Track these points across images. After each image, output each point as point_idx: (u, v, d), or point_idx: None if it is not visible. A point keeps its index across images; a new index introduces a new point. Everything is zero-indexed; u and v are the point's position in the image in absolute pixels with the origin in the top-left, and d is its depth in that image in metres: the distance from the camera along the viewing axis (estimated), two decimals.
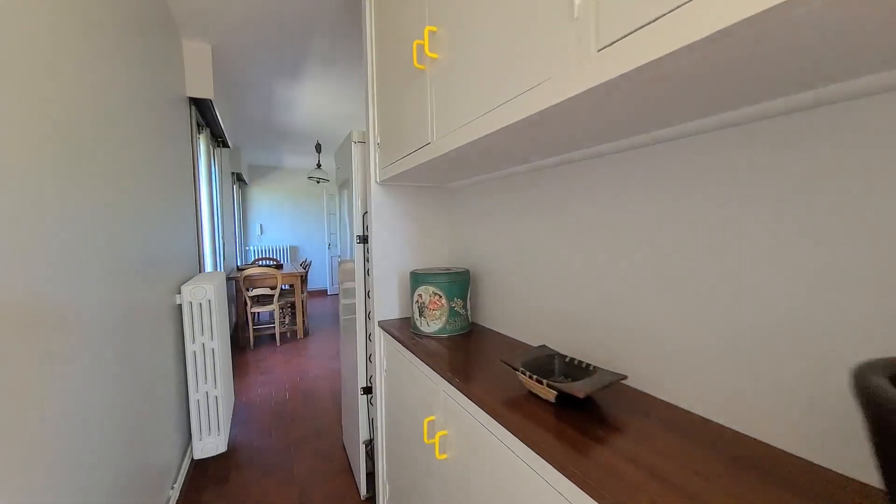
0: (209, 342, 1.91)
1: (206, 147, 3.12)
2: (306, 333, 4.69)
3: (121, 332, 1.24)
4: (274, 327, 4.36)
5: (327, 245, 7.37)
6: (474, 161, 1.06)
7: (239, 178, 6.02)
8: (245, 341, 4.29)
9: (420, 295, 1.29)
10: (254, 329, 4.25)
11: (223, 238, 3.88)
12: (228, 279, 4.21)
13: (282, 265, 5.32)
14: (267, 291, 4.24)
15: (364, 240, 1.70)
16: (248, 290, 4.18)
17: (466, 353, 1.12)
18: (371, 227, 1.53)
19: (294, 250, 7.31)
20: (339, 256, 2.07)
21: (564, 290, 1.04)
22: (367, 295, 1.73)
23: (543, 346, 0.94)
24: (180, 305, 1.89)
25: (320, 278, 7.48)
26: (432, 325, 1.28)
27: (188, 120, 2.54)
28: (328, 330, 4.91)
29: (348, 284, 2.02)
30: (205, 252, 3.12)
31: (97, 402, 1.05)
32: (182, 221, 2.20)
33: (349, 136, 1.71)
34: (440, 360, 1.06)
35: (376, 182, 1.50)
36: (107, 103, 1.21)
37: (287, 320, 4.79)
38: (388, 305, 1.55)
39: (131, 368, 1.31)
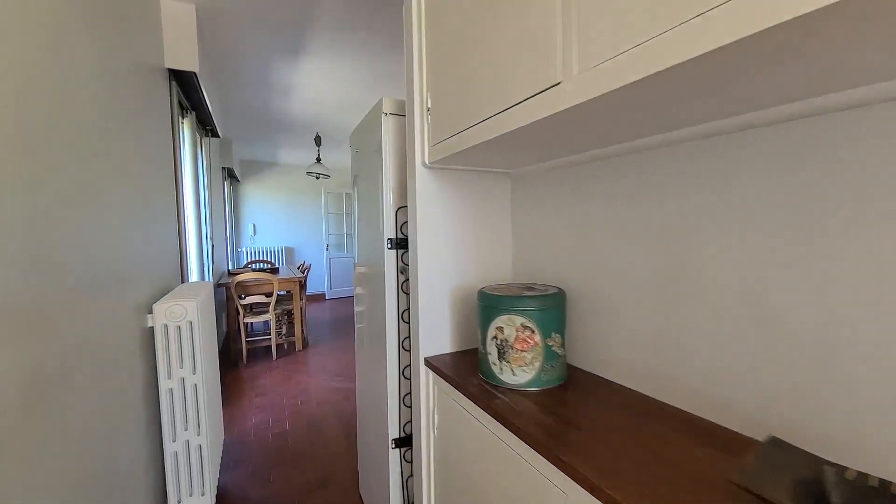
0: (190, 376, 1.47)
1: (191, 134, 2.67)
2: (305, 345, 4.25)
3: (62, 370, 0.81)
4: (269, 339, 3.91)
5: (325, 246, 6.92)
6: (627, 117, 0.64)
7: (230, 175, 5.55)
8: (237, 354, 3.83)
9: (500, 329, 0.87)
10: (247, 341, 3.80)
11: (212, 240, 3.42)
12: (218, 286, 3.76)
13: (277, 269, 4.86)
14: (262, 299, 3.79)
15: (399, 244, 1.28)
16: (240, 297, 3.72)
17: (589, 424, 0.70)
18: (415, 228, 1.11)
19: (290, 252, 6.85)
20: (356, 260, 1.62)
21: (772, 330, 0.63)
22: (402, 317, 1.31)
23: (777, 442, 0.53)
24: (152, 329, 1.45)
25: (318, 281, 7.02)
26: (520, 373, 0.86)
27: (168, 98, 2.09)
28: (329, 340, 4.46)
29: (361, 290, 1.61)
30: (189, 257, 2.67)
31: (30, 470, 0.62)
32: (159, 221, 1.75)
33: (377, 107, 1.29)
34: (557, 442, 0.65)
35: (423, 165, 1.07)
36: (53, 65, 0.78)
37: (284, 330, 4.34)
38: (438, 336, 1.13)
39: (79, 419, 0.88)
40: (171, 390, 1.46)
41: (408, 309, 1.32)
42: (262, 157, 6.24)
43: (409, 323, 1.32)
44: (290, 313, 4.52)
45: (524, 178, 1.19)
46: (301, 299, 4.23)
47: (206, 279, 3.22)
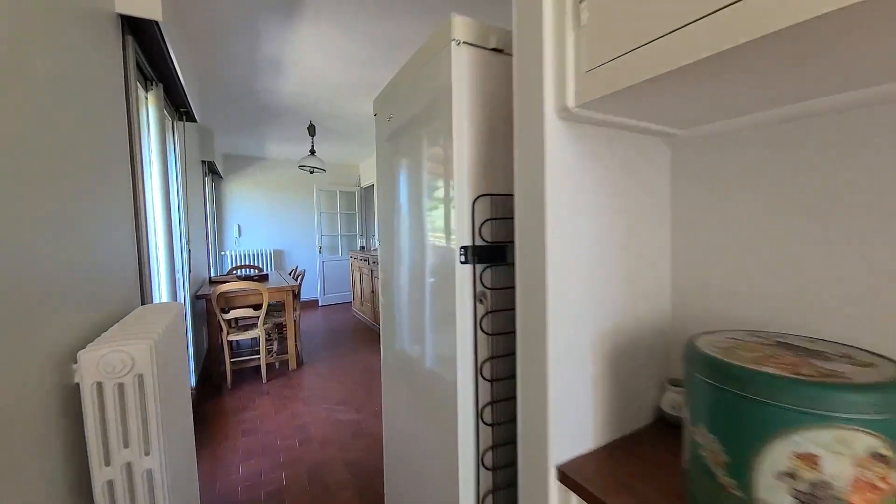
0: (141, 460, 0.96)
1: (158, 113, 2.13)
2: (300, 363, 3.71)
3: None
4: (258, 357, 3.36)
5: (318, 249, 6.36)
6: None
7: (212, 170, 4.97)
8: (220, 378, 3.28)
9: (809, 461, 0.39)
10: (231, 362, 3.24)
11: (188, 244, 2.87)
12: (198, 297, 3.20)
13: (266, 275, 4.30)
14: (249, 313, 3.24)
15: (480, 256, 0.79)
16: (223, 311, 3.17)
17: None
18: (539, 227, 0.61)
19: (279, 255, 6.27)
20: (380, 267, 1.07)
21: None
22: (481, 372, 0.82)
23: None
24: (80, 388, 0.93)
25: (310, 287, 6.45)
26: None
27: (120, 56, 1.55)
28: (326, 355, 3.93)
29: (387, 300, 1.14)
30: (155, 268, 2.13)
31: None
32: (104, 222, 1.23)
33: (441, 34, 0.80)
34: None
35: (559, 113, 0.58)
36: None
37: (275, 347, 3.80)
38: (577, 421, 0.64)
39: None
40: (110, 483, 0.94)
41: (491, 359, 0.83)
42: (247, 151, 5.65)
43: (493, 381, 0.83)
44: (281, 326, 3.98)
45: (703, 143, 0.71)
46: (294, 310, 3.69)
47: (180, 292, 2.68)
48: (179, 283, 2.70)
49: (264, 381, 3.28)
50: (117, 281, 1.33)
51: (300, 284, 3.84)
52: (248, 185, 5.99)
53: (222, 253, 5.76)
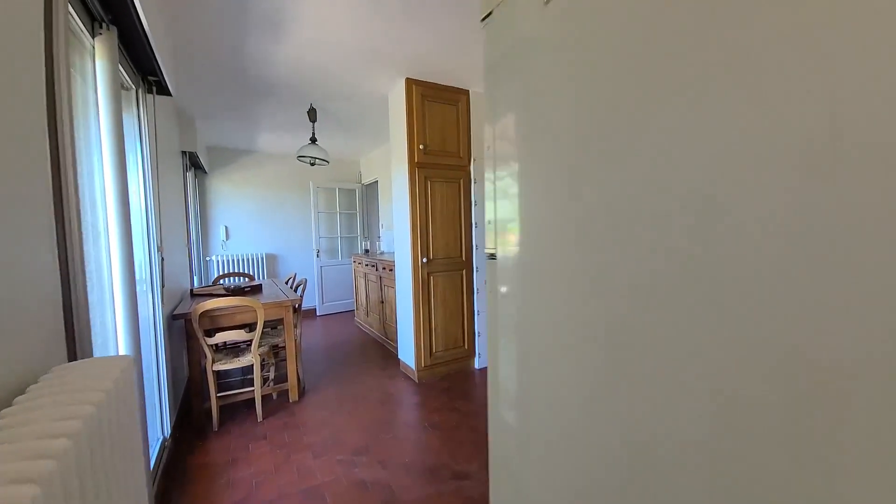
0: None
1: (110, 67, 1.50)
2: (302, 392, 3.09)
3: None
4: (251, 390, 2.73)
5: (315, 252, 5.72)
6: None
7: (194, 164, 4.30)
8: (204, 417, 2.64)
9: None
10: (218, 397, 2.61)
11: (160, 251, 2.24)
12: (174, 317, 2.56)
13: (259, 285, 3.65)
14: (240, 335, 2.62)
15: None
16: (207, 334, 2.54)
17: None
18: None
19: (272, 260, 5.62)
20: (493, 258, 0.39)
21: None
22: None
23: None
24: None
25: (308, 294, 5.80)
26: None
27: None
28: (331, 379, 3.32)
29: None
30: (105, 294, 1.51)
31: None
32: None
33: None
34: None
35: None
36: None
37: (272, 375, 3.17)
38: None
39: None
40: None
41: None
42: (235, 142, 4.98)
43: None
44: (278, 348, 3.35)
45: None
46: (295, 327, 3.08)
47: (145, 312, 2.05)
48: (146, 301, 2.07)
49: (260, 419, 2.65)
50: (12, 330, 0.72)
51: (302, 297, 3.22)
52: (236, 181, 5.32)
53: (207, 258, 5.09)
